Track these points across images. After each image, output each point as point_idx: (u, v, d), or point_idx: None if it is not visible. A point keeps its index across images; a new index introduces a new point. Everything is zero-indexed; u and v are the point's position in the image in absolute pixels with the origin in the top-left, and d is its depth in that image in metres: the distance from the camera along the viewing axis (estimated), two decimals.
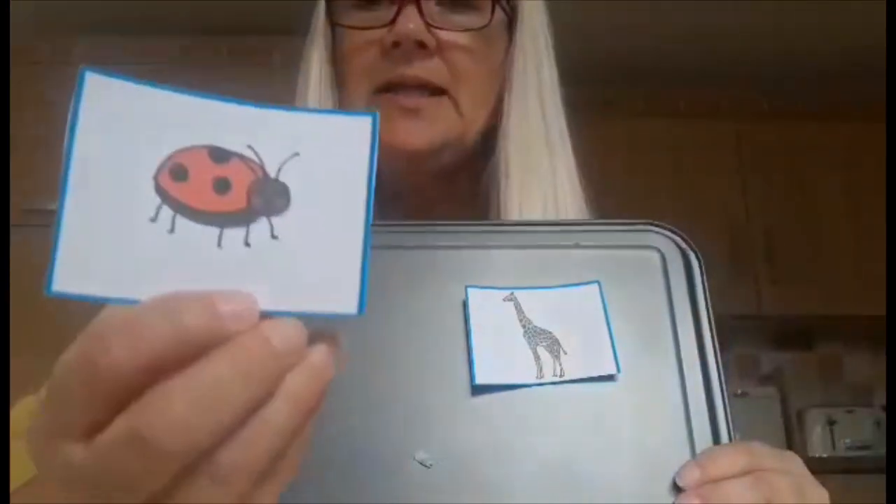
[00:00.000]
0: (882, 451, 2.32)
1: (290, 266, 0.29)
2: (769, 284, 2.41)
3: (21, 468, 0.46)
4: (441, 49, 0.60)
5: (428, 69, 0.60)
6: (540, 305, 0.48)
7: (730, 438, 0.44)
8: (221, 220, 0.29)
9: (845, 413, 2.40)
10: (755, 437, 0.46)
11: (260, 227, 0.29)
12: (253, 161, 0.29)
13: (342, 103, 0.64)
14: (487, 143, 0.65)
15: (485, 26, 0.61)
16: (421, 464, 0.43)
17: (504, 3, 0.63)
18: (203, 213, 0.29)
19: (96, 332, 0.26)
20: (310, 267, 0.29)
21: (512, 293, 0.48)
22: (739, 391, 2.44)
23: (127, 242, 0.28)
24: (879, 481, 1.37)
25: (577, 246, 0.51)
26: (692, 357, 0.47)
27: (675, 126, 2.51)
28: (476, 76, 0.62)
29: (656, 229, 0.52)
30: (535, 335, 0.47)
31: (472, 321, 0.47)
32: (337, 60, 0.64)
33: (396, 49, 0.59)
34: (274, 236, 0.29)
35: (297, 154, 0.30)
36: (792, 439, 2.42)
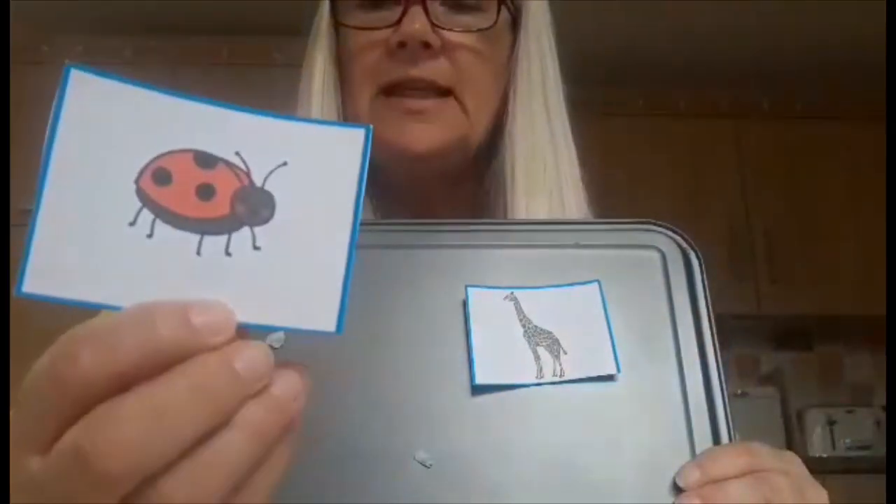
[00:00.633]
0: (882, 451, 2.32)
1: (270, 279, 0.28)
2: (769, 284, 2.41)
3: None
4: (446, 49, 0.60)
5: (433, 70, 0.60)
6: (540, 305, 0.48)
7: (730, 438, 0.44)
8: (202, 226, 0.28)
9: (845, 413, 2.40)
10: (755, 437, 0.46)
11: (242, 236, 0.28)
12: (239, 168, 0.29)
13: (346, 104, 0.64)
14: (492, 144, 0.65)
15: (490, 27, 0.61)
16: (421, 464, 0.43)
17: (509, 3, 0.63)
18: (184, 219, 0.28)
19: (66, 341, 0.25)
20: (290, 281, 0.28)
21: (512, 293, 0.48)
22: (739, 391, 2.44)
23: (103, 246, 0.27)
24: (879, 481, 1.36)
25: (577, 245, 0.51)
26: (692, 357, 0.47)
27: (675, 126, 2.51)
28: (481, 76, 0.62)
29: (657, 228, 0.52)
30: (535, 335, 0.47)
31: (472, 321, 0.47)
32: (341, 61, 0.64)
33: (402, 50, 0.59)
34: (256, 247, 0.28)
35: (285, 164, 0.29)
36: (792, 439, 2.42)
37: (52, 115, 0.27)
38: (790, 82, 2.59)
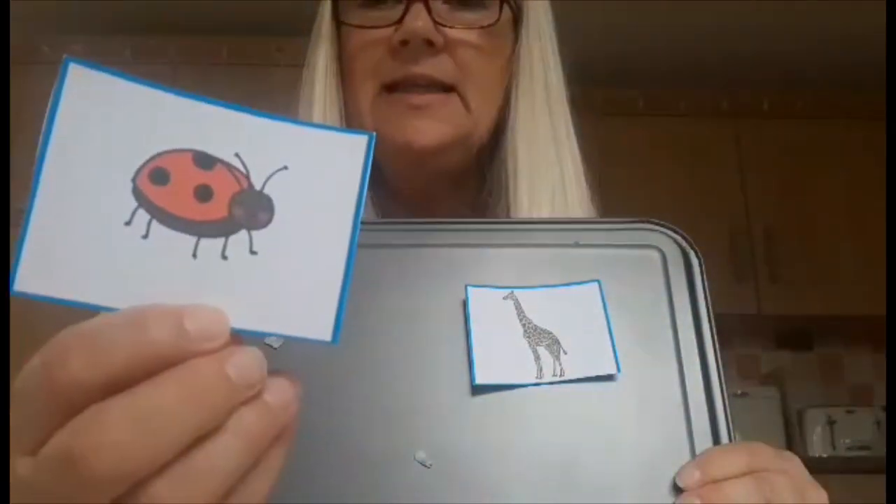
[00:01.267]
0: (882, 451, 2.31)
1: (267, 284, 0.27)
2: (769, 284, 2.41)
3: None
4: (449, 46, 0.60)
5: (436, 67, 0.60)
6: (540, 305, 0.48)
7: (730, 438, 0.44)
8: (199, 228, 0.27)
9: (845, 413, 2.40)
10: (755, 437, 0.46)
11: (239, 240, 0.28)
12: (238, 170, 0.28)
13: (349, 103, 0.64)
14: (494, 142, 0.65)
15: (493, 24, 0.61)
16: (421, 464, 0.43)
17: (511, 1, 0.63)
18: (181, 220, 0.27)
19: (57, 343, 0.25)
20: (287, 287, 0.28)
21: (512, 292, 0.48)
22: (740, 391, 2.44)
23: (97, 245, 0.26)
24: (879, 481, 1.36)
25: (577, 245, 0.51)
26: (692, 356, 0.47)
27: (675, 126, 2.51)
28: (484, 73, 0.62)
29: (656, 228, 0.52)
30: (535, 335, 0.47)
31: (472, 320, 0.47)
32: (343, 59, 0.64)
33: (404, 47, 0.59)
34: (253, 251, 0.28)
35: (285, 168, 0.29)
36: (792, 439, 2.41)
37: (48, 109, 0.27)
38: (790, 82, 2.58)
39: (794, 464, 0.43)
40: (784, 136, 2.53)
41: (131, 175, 0.27)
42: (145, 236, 0.27)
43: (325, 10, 0.65)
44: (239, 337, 0.27)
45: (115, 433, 0.24)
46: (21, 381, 0.26)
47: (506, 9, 0.62)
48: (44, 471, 0.25)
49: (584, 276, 0.49)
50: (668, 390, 0.46)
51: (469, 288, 0.48)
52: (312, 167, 0.29)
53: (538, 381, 0.45)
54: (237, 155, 0.28)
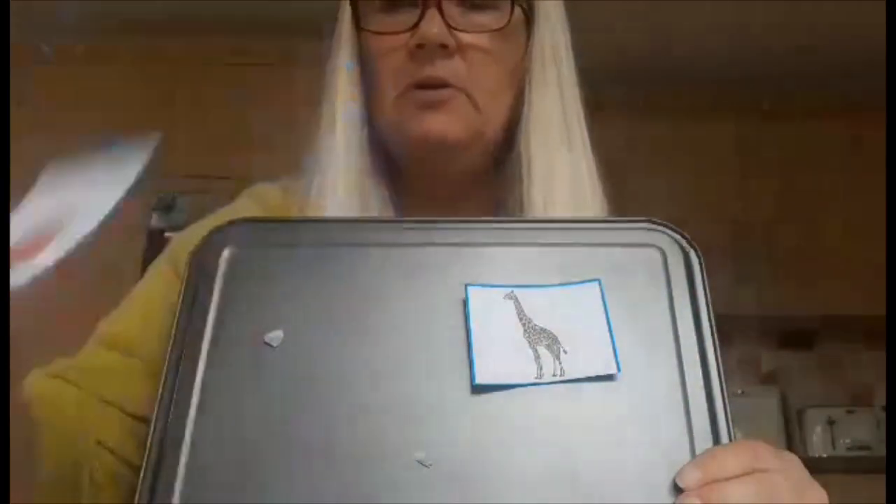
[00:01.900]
0: (882, 451, 2.31)
1: None
2: (769, 284, 2.41)
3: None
4: (461, 49, 0.64)
5: (448, 69, 0.63)
6: (540, 304, 0.48)
7: (730, 438, 0.44)
8: None
9: (845, 413, 2.40)
10: (755, 437, 0.46)
11: None
12: None
13: (371, 101, 0.67)
14: (508, 139, 0.68)
15: (503, 26, 0.64)
16: (421, 464, 0.43)
17: (522, 1, 0.65)
18: None
19: None
20: None
21: (512, 291, 0.48)
22: (740, 391, 2.44)
23: None
24: (879, 481, 1.36)
25: (577, 244, 0.51)
26: (692, 355, 0.47)
27: (675, 126, 2.51)
28: (492, 74, 0.65)
29: (657, 227, 0.52)
30: (536, 334, 0.47)
31: (472, 320, 0.47)
32: (364, 61, 0.67)
33: (420, 51, 0.63)
34: None
35: None
36: (792, 439, 2.41)
37: None
38: (790, 82, 2.58)
39: (794, 464, 0.43)
40: (784, 136, 2.53)
41: None
42: None
43: (345, 16, 0.69)
44: None
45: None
46: None
47: (517, 10, 0.65)
48: None
49: (585, 275, 0.49)
50: (668, 389, 0.46)
51: (469, 287, 0.48)
52: None
53: (538, 380, 0.45)
54: None
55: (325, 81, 0.69)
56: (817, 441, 2.37)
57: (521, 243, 0.51)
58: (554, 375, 0.46)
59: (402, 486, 0.42)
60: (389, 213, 0.66)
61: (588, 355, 0.46)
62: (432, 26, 0.62)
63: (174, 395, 0.46)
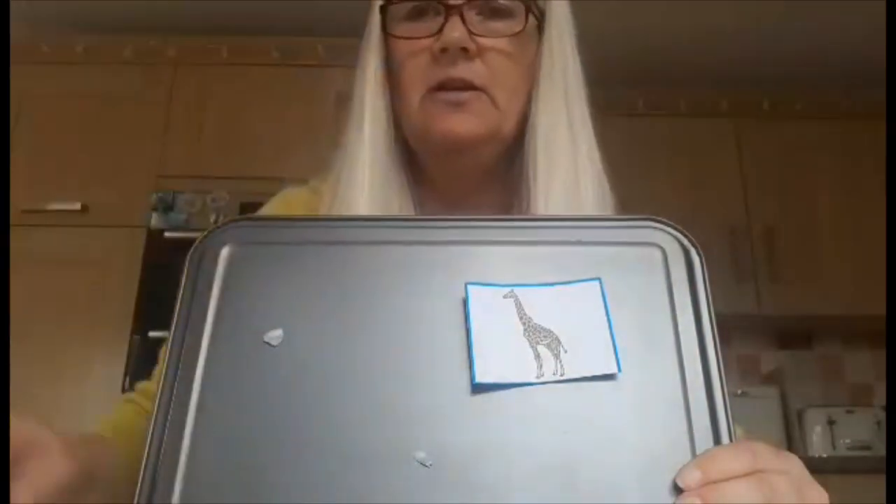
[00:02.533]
0: (882, 451, 2.31)
1: None
2: (769, 284, 2.41)
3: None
4: (481, 53, 0.69)
5: (470, 70, 0.69)
6: (540, 303, 0.48)
7: (730, 438, 0.44)
8: None
9: (845, 413, 2.40)
10: (755, 437, 0.46)
11: None
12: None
13: (398, 101, 0.73)
14: (519, 138, 0.73)
15: (519, 32, 0.70)
16: (421, 464, 0.43)
17: (535, 10, 0.71)
18: None
19: None
20: None
21: (512, 290, 0.48)
22: (740, 391, 2.44)
23: None
24: (879, 481, 1.36)
25: (578, 242, 0.51)
26: (693, 354, 0.47)
27: (675, 126, 2.51)
28: (511, 75, 0.71)
29: (658, 225, 0.52)
30: (536, 333, 0.47)
31: (472, 319, 0.47)
32: (391, 65, 0.73)
33: (444, 54, 0.68)
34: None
35: None
36: (792, 439, 2.41)
37: None
38: (790, 82, 2.58)
39: (794, 463, 0.43)
40: (784, 136, 2.53)
41: None
42: None
43: (374, 23, 0.75)
44: None
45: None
46: None
47: (531, 17, 0.71)
48: None
49: (585, 273, 0.49)
50: (668, 389, 0.46)
51: (469, 286, 0.48)
52: None
53: (538, 379, 0.45)
54: None
55: (353, 82, 0.75)
56: (817, 441, 2.36)
57: (521, 242, 0.51)
58: (554, 375, 0.45)
59: (402, 486, 0.42)
60: (409, 206, 0.72)
61: (588, 354, 0.46)
62: (455, 31, 0.67)
63: (174, 394, 0.46)
